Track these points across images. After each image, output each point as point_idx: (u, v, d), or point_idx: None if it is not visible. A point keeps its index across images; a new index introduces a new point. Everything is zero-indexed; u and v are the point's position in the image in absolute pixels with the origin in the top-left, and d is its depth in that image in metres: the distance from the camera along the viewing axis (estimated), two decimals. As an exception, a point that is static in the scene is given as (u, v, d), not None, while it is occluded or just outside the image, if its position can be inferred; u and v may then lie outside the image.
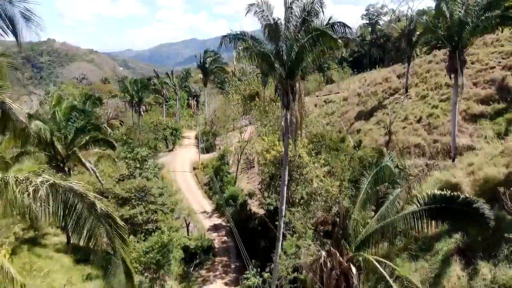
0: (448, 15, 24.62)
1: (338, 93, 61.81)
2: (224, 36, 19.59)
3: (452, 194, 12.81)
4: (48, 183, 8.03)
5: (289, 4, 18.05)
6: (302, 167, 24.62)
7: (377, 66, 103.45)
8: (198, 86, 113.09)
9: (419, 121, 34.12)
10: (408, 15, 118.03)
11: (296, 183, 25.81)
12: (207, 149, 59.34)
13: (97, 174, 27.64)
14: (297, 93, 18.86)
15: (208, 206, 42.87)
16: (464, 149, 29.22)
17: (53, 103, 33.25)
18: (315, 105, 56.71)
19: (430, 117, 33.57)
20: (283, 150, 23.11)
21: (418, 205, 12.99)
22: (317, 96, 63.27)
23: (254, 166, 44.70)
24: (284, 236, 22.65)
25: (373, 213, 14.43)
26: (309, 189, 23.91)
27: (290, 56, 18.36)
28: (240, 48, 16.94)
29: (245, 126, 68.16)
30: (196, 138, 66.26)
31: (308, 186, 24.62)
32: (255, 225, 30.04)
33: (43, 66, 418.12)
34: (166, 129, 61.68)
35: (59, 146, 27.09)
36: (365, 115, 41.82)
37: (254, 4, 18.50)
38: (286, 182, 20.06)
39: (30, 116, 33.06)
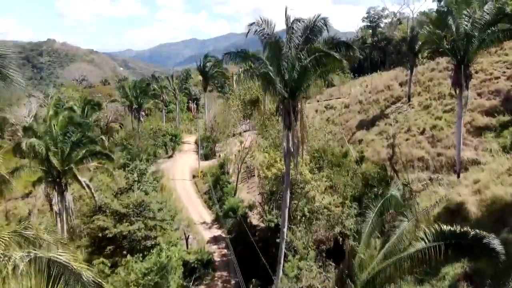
0: (454, 29, 24.02)
1: (339, 98, 61.25)
2: (226, 54, 19.09)
3: (461, 230, 12.23)
4: (28, 257, 7.45)
5: (290, 24, 17.47)
6: (304, 183, 24.02)
7: (378, 69, 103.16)
8: (198, 89, 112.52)
9: (422, 133, 33.55)
10: (409, 18, 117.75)
11: (297, 199, 25.22)
12: (207, 156, 58.74)
13: (93, 191, 27.06)
14: (299, 113, 18.25)
15: (208, 216, 42.28)
16: (469, 163, 28.66)
17: (50, 112, 32.77)
18: (316, 111, 56.15)
19: (433, 129, 32.99)
20: (284, 167, 22.57)
21: (427, 241, 12.38)
22: (318, 101, 62.63)
23: (254, 175, 44.13)
24: (285, 255, 22.10)
25: (379, 246, 13.83)
26: (311, 207, 23.33)
27: (292, 76, 17.79)
28: (240, 70, 16.36)
29: (245, 131, 67.74)
30: (196, 143, 65.73)
31: (310, 203, 24.03)
32: (256, 241, 29.43)
33: (43, 66, 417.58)
34: (166, 135, 61.08)
35: (55, 161, 26.52)
36: (367, 124, 41.25)
37: (254, 23, 17.95)
38: (288, 204, 19.49)
39: (26, 130, 32.69)
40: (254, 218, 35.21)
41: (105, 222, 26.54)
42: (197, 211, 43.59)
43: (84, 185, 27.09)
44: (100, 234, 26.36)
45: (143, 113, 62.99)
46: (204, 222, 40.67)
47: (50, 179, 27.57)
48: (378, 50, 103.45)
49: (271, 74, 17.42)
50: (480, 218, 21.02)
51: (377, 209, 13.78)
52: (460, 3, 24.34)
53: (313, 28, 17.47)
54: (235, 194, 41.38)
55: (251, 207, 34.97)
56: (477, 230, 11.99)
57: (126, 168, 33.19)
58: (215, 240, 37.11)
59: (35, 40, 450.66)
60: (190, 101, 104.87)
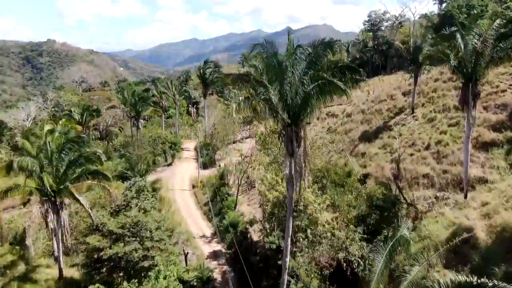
0: (462, 46, 23.21)
1: (340, 104, 60.39)
2: (227, 74, 18.33)
3: (478, 280, 11.40)
4: None
5: (293, 50, 16.68)
6: (307, 204, 23.21)
7: (379, 73, 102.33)
8: (198, 92, 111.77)
9: (427, 148, 32.74)
10: (410, 20, 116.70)
11: (300, 219, 24.38)
12: (207, 164, 57.95)
13: (89, 210, 26.30)
14: (302, 140, 17.45)
15: (208, 229, 41.46)
16: (475, 181, 27.90)
17: (45, 128, 31.97)
18: (317, 118, 55.30)
19: (439, 144, 32.17)
20: (285, 190, 21.81)
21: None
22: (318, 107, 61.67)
23: (254, 187, 43.33)
24: (288, 282, 21.33)
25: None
26: (314, 230, 22.52)
27: (295, 101, 16.99)
28: (240, 99, 15.60)
29: (245, 138, 66.94)
30: (196, 149, 64.95)
31: (313, 225, 23.23)
32: (256, 261, 28.64)
33: (43, 66, 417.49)
34: (165, 143, 60.30)
35: (50, 180, 25.75)
36: (370, 136, 40.45)
37: (258, 44, 17.18)
38: (290, 233, 18.71)
39: (16, 149, 31.88)
40: (255, 234, 34.42)
41: (100, 242, 25.74)
42: (196, 223, 42.80)
43: (81, 203, 26.35)
44: (95, 256, 25.57)
45: (142, 121, 62.11)
46: (204, 236, 39.87)
47: (45, 199, 26.86)
48: (379, 53, 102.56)
49: (274, 100, 16.64)
50: (490, 246, 20.24)
51: (386, 251, 12.97)
52: (470, 20, 23.55)
53: (318, 53, 16.67)
54: (235, 207, 40.59)
55: (251, 222, 34.15)
56: (495, 282, 11.17)
57: (125, 182, 32.37)
58: (214, 255, 36.30)
59: (35, 40, 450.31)
60: (190, 105, 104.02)
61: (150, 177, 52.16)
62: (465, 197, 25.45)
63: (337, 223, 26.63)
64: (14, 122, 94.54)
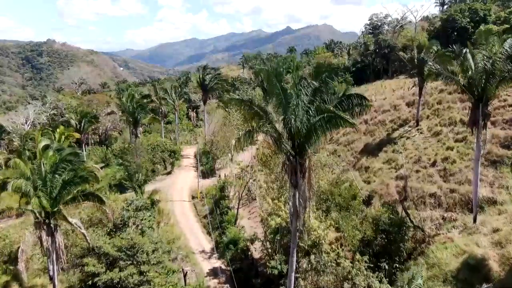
0: (472, 66, 22.27)
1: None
2: (231, 99, 17.43)
3: None
4: None
5: (297, 81, 15.77)
6: (309, 230, 22.30)
7: (381, 77, 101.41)
8: (197, 95, 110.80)
9: (433, 164, 31.81)
10: (412, 23, 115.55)
11: (303, 242, 23.44)
12: (207, 173, 56.99)
13: (85, 233, 25.37)
14: (307, 170, 16.53)
15: (207, 243, 40.50)
16: (484, 201, 27.00)
17: (40, 143, 31.08)
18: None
19: (445, 161, 31.25)
20: (288, 217, 20.91)
21: None
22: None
23: (255, 199, 42.43)
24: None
25: None
26: (318, 259, 21.58)
27: (299, 132, 16.06)
28: (241, 133, 14.70)
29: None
30: (195, 157, 64.02)
31: (317, 249, 22.31)
32: (258, 283, 27.76)
33: (43, 67, 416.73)
34: (164, 151, 59.32)
35: (44, 202, 24.82)
36: (373, 149, 39.50)
37: (263, 69, 16.26)
38: (294, 268, 17.80)
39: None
40: (256, 251, 33.53)
41: (95, 267, 24.87)
42: (196, 237, 41.84)
43: (77, 226, 25.42)
44: (90, 282, 24.70)
45: (140, 128, 61.10)
46: (203, 251, 38.91)
47: (38, 220, 25.92)
48: (381, 57, 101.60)
49: (278, 130, 15.72)
50: (504, 279, 19.32)
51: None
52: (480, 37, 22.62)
53: (321, 86, 15.74)
54: (235, 221, 39.67)
55: (252, 240, 33.24)
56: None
57: (123, 194, 31.45)
58: (214, 273, 35.33)
59: (36, 40, 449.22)
60: (190, 109, 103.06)
61: (149, 187, 51.27)
62: (474, 221, 24.53)
63: (341, 244, 25.74)
64: (12, 126, 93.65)
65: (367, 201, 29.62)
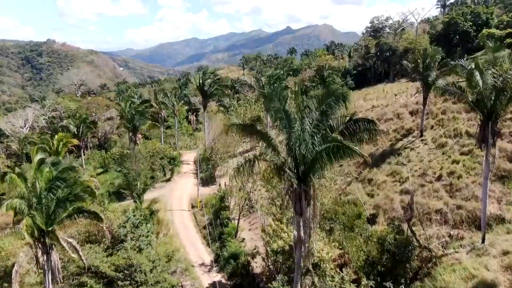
0: (480, 84, 21.51)
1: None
2: (232, 124, 16.68)
3: None
4: None
5: (302, 107, 15.01)
6: (313, 252, 21.55)
7: (382, 80, 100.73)
8: (198, 98, 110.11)
9: (439, 178, 31.04)
10: (413, 25, 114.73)
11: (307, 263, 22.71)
12: (207, 181, 56.26)
13: (81, 254, 24.61)
14: (312, 199, 15.78)
15: (207, 255, 39.75)
16: (492, 219, 26.28)
17: (35, 158, 30.29)
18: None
19: (451, 175, 30.48)
20: (291, 238, 20.17)
21: None
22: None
23: (257, 211, 41.66)
24: None
25: None
26: (322, 283, 20.83)
27: (304, 159, 15.30)
28: (240, 163, 13.96)
29: (246, 151, 65.20)
30: (195, 163, 63.26)
31: (319, 274, 21.57)
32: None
33: (43, 67, 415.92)
34: (164, 158, 58.57)
35: (38, 220, 24.10)
36: (376, 160, 38.69)
37: (265, 93, 15.55)
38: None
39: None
40: (257, 266, 32.78)
41: (93, 288, 24.19)
42: (195, 248, 41.10)
43: (72, 246, 24.69)
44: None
45: (139, 135, 60.30)
46: (203, 264, 38.16)
47: (33, 238, 25.19)
48: (382, 61, 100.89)
49: (281, 157, 14.97)
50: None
51: None
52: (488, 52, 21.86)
53: (327, 110, 15.00)
54: (236, 233, 38.91)
55: (253, 255, 32.53)
56: None
57: (122, 215, 30.74)
58: (214, 288, 34.65)
59: (35, 40, 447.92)
60: (190, 113, 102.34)
61: (148, 195, 50.55)
62: (483, 241, 23.76)
63: (344, 262, 25.01)
64: (11, 129, 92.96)
65: (372, 219, 28.85)
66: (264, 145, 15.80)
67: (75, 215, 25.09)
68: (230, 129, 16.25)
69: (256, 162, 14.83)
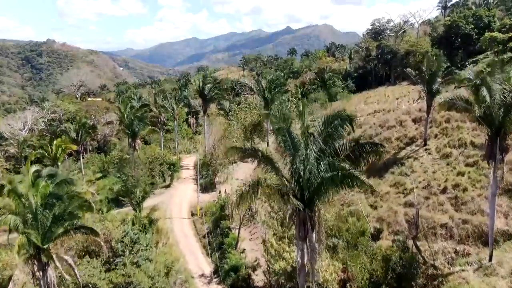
0: (488, 98, 20.88)
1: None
2: (231, 148, 16.07)
3: None
4: None
5: (307, 133, 14.39)
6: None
7: (383, 83, 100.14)
8: (198, 100, 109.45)
9: (444, 191, 30.40)
10: (415, 25, 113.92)
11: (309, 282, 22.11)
12: (206, 187, 55.62)
13: (76, 273, 24.01)
14: (316, 223, 15.17)
15: (207, 266, 39.16)
16: (499, 234, 25.64)
17: (30, 171, 29.65)
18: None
19: (456, 188, 29.84)
20: (294, 260, 19.56)
21: None
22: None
23: (258, 222, 40.97)
24: None
25: None
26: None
27: (309, 183, 14.69)
28: (244, 189, 13.37)
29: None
30: (195, 167, 62.61)
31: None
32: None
33: (43, 67, 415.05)
34: (163, 164, 57.91)
35: (34, 237, 23.47)
36: (379, 169, 38.04)
37: (271, 113, 14.95)
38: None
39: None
40: (259, 282, 32.16)
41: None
42: (195, 258, 40.52)
43: (66, 265, 24.09)
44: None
45: (139, 141, 59.61)
46: (203, 275, 37.54)
47: (29, 255, 24.58)
48: (383, 63, 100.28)
49: (285, 182, 14.35)
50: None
51: None
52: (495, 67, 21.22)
53: (332, 133, 14.39)
54: (236, 244, 38.30)
55: (254, 267, 31.94)
56: None
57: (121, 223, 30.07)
58: (214, 301, 34.07)
59: (35, 40, 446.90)
60: (189, 116, 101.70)
61: (148, 202, 49.93)
62: (490, 259, 23.15)
63: (348, 277, 24.41)
64: (10, 131, 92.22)
65: (376, 235, 28.22)
66: (266, 168, 15.20)
67: (72, 232, 24.48)
68: (230, 153, 15.62)
69: (260, 188, 14.20)
